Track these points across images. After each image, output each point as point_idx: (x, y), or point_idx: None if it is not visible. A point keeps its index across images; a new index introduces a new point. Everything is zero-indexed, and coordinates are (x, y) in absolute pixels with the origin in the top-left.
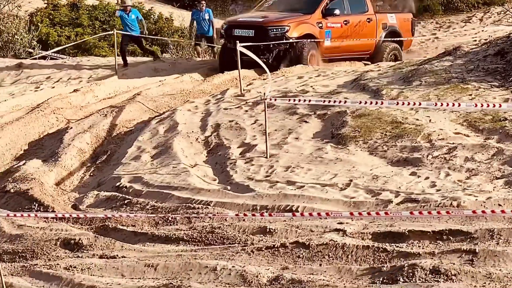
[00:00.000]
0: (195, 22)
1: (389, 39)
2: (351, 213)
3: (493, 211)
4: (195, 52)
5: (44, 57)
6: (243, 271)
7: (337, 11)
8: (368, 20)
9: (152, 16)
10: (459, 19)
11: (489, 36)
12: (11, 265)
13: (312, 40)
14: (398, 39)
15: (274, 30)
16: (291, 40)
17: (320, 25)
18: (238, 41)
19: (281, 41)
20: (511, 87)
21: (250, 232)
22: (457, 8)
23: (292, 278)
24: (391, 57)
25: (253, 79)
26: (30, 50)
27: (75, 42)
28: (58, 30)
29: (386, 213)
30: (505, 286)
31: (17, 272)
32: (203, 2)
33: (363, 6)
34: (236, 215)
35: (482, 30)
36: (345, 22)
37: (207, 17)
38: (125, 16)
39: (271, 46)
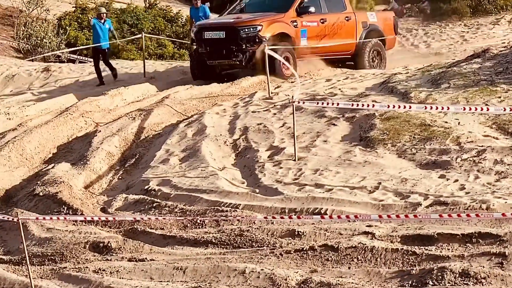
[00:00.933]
0: (193, 19)
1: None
2: (380, 216)
3: None
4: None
5: (72, 61)
6: (271, 274)
7: (312, 9)
8: (346, 18)
9: (180, 19)
10: (488, 21)
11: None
12: (41, 268)
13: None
14: (381, 38)
15: (246, 30)
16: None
17: (295, 23)
18: (209, 45)
19: (253, 42)
20: None
21: (279, 235)
22: (485, 10)
23: (321, 281)
24: (373, 54)
25: (280, 83)
26: (59, 53)
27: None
28: (86, 34)
29: (415, 216)
30: None
31: (46, 275)
32: None
33: (341, 4)
34: (265, 217)
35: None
36: (321, 21)
37: (202, 14)
38: (100, 25)
39: (243, 47)
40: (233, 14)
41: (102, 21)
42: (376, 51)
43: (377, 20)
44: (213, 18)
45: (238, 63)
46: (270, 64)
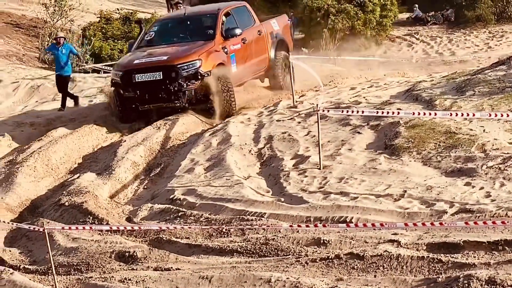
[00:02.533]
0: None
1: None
2: (406, 224)
3: None
4: None
5: (97, 71)
6: (297, 282)
7: (238, 31)
8: (259, 33)
9: None
10: None
11: None
12: (67, 278)
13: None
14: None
15: (186, 67)
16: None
17: (226, 50)
18: (141, 88)
19: (193, 80)
20: None
21: (304, 244)
22: (510, 17)
23: None
24: (283, 67)
25: (305, 92)
26: (83, 64)
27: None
28: (111, 44)
29: (441, 224)
30: None
31: (72, 285)
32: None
33: (250, 18)
34: (290, 226)
35: None
36: (243, 41)
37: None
38: (56, 53)
39: (184, 86)
40: (151, 48)
41: (60, 46)
42: (285, 64)
43: (279, 28)
44: (134, 56)
45: (178, 104)
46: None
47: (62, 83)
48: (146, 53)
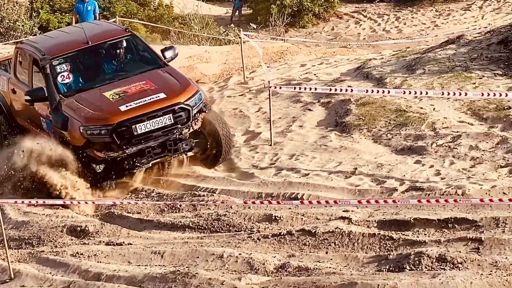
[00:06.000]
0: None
1: None
2: (359, 201)
3: (500, 200)
4: None
5: None
6: (249, 258)
7: (175, 50)
8: None
9: (152, 3)
10: (459, 7)
11: (489, 24)
12: (18, 252)
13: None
14: None
15: (195, 103)
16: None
17: None
18: (145, 141)
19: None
20: None
21: (256, 220)
22: None
23: (299, 266)
24: None
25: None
26: (31, 36)
27: None
28: (58, 17)
29: (394, 201)
30: (511, 274)
31: (24, 259)
32: None
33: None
34: (245, 202)
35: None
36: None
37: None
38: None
39: (193, 127)
40: (96, 88)
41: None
42: None
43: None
44: (89, 108)
45: (188, 152)
46: None
47: None
48: (114, 96)
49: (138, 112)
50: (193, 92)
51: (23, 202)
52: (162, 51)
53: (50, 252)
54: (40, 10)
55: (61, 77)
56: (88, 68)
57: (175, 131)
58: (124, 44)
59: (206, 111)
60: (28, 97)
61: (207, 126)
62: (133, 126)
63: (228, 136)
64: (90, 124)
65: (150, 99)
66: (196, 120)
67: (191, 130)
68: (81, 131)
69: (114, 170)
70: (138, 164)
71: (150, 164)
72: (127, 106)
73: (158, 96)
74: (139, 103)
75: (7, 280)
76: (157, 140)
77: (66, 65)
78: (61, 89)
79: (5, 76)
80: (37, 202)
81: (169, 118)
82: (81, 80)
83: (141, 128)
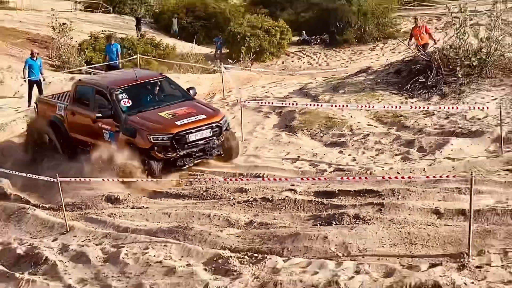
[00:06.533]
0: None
1: None
2: (302, 178)
3: (396, 177)
4: None
5: (89, 73)
6: (228, 216)
7: (194, 90)
8: None
9: (161, 45)
10: (367, 48)
11: (387, 59)
12: (72, 213)
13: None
14: None
15: (222, 123)
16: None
17: None
18: (192, 146)
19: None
20: (405, 94)
21: (232, 191)
22: (366, 41)
23: (261, 222)
24: None
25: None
26: (80, 68)
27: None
28: (98, 55)
29: (324, 178)
30: (403, 227)
31: (75, 218)
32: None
33: None
34: (225, 179)
35: (382, 55)
36: None
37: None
38: (33, 63)
39: (221, 140)
40: (147, 111)
41: (35, 59)
42: None
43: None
44: (152, 121)
45: (215, 155)
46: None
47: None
48: (168, 115)
49: (190, 126)
50: (222, 116)
51: (80, 179)
52: (188, 89)
53: (93, 213)
54: (86, 50)
55: (123, 102)
56: (139, 97)
57: (211, 141)
58: (159, 83)
59: (228, 129)
60: (99, 115)
61: (227, 139)
62: (186, 135)
63: (237, 145)
64: (156, 133)
65: (195, 118)
66: (223, 134)
67: (220, 141)
68: (149, 138)
69: (169, 166)
70: (186, 163)
71: (193, 164)
72: (181, 122)
73: (201, 116)
74: (188, 120)
75: (65, 232)
76: (200, 147)
77: (125, 94)
78: (124, 111)
79: (62, 104)
80: (85, 179)
81: (209, 131)
82: (136, 105)
83: (191, 137)
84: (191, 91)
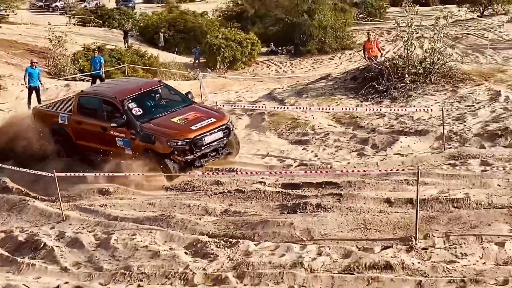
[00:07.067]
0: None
1: None
2: (270, 172)
3: (352, 171)
4: None
5: (82, 80)
6: (206, 206)
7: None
8: None
9: (146, 55)
10: (327, 57)
11: (344, 68)
12: (68, 204)
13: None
14: None
15: (230, 125)
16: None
17: None
18: (207, 148)
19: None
20: (360, 98)
21: (209, 184)
22: (326, 51)
23: (235, 210)
24: None
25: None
26: (74, 75)
27: (93, 72)
28: (90, 64)
29: (290, 172)
30: (359, 214)
31: (71, 208)
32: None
33: None
34: (203, 173)
35: (340, 64)
36: None
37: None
38: (33, 71)
39: (228, 140)
40: (159, 117)
41: (34, 67)
42: None
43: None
44: (166, 127)
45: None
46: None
47: (95, 78)
48: (180, 121)
49: (204, 130)
50: (228, 118)
51: (75, 174)
52: (186, 94)
53: (87, 204)
54: (79, 59)
55: (134, 111)
56: (146, 105)
57: (222, 142)
58: (161, 90)
59: (233, 129)
60: (114, 124)
61: (231, 139)
62: (203, 138)
63: (239, 144)
64: (175, 138)
65: (207, 122)
66: (231, 135)
67: (227, 140)
68: (169, 143)
69: (187, 166)
70: (203, 163)
71: (207, 163)
72: (195, 126)
73: (211, 120)
74: (202, 124)
75: (61, 221)
76: (212, 147)
77: (134, 103)
78: (137, 119)
79: (65, 115)
80: (79, 174)
81: (220, 133)
82: (145, 112)
83: (207, 140)
84: (189, 96)
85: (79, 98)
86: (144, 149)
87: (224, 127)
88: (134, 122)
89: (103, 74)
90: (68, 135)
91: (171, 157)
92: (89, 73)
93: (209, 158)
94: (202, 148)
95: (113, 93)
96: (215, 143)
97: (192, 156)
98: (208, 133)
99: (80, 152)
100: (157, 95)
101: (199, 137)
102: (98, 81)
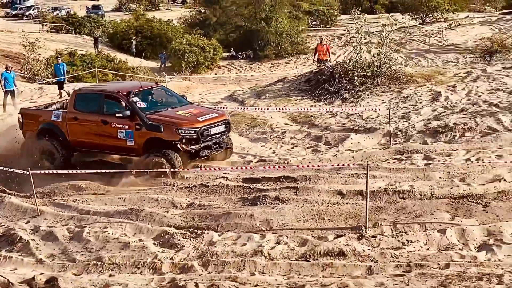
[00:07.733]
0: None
1: None
2: (232, 168)
3: (308, 166)
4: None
5: (54, 83)
6: (172, 200)
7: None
8: None
9: (115, 60)
10: (283, 61)
11: (297, 72)
12: (42, 200)
13: None
14: None
15: (229, 120)
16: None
17: None
18: (213, 139)
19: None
20: (314, 98)
21: (176, 179)
22: (282, 56)
23: (200, 204)
24: None
25: None
26: (47, 79)
27: (72, 75)
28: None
29: (251, 167)
30: (314, 205)
31: (45, 204)
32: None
33: None
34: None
35: (296, 68)
36: None
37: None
38: (8, 75)
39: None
40: (163, 110)
41: (9, 72)
42: None
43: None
44: (175, 117)
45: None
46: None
47: (61, 84)
48: (185, 114)
49: (209, 122)
50: (227, 115)
51: (51, 172)
52: (182, 96)
53: (60, 199)
54: (52, 64)
55: (138, 104)
56: (147, 101)
57: (224, 135)
58: (160, 90)
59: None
60: (120, 115)
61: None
62: (209, 129)
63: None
64: (184, 127)
65: (211, 115)
66: (230, 131)
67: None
68: (177, 131)
69: (193, 157)
70: (207, 154)
71: (211, 154)
72: (202, 118)
73: (213, 115)
74: (207, 117)
75: (36, 216)
76: (215, 140)
77: (137, 98)
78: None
79: (59, 112)
80: (55, 172)
81: (223, 127)
82: (148, 107)
83: (212, 131)
84: (186, 97)
85: (76, 95)
86: (148, 139)
87: (226, 121)
88: (140, 113)
89: (66, 80)
90: (61, 132)
91: (178, 145)
92: (53, 79)
93: (212, 150)
94: (208, 138)
95: (115, 89)
96: (219, 135)
97: (197, 146)
98: (213, 125)
99: (74, 148)
100: (157, 94)
101: (206, 127)
102: (65, 87)
